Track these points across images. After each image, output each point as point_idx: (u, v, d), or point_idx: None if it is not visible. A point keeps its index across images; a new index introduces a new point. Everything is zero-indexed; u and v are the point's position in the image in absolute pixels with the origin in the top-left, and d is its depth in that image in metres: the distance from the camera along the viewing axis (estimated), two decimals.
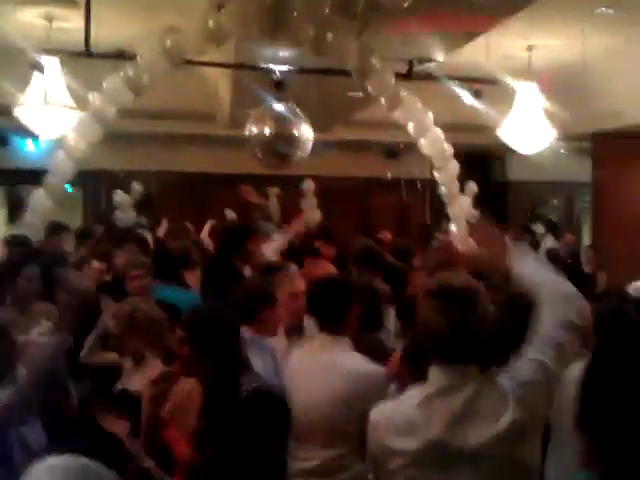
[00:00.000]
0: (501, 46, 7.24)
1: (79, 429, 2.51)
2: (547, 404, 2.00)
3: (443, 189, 6.89)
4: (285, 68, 5.79)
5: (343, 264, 5.06)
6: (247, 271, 4.83)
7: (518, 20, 5.86)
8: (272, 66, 5.75)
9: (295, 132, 5.93)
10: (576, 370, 1.69)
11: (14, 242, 5.16)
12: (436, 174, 6.86)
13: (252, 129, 6.01)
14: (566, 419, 1.62)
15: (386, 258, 5.01)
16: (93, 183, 10.35)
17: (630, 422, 1.21)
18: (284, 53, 5.56)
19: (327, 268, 4.55)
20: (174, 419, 2.50)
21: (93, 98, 5.45)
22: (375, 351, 3.07)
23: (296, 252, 5.29)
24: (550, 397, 1.99)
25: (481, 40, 6.72)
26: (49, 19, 6.66)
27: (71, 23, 6.48)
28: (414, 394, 1.98)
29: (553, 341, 1.95)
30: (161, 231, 7.67)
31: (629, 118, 8.37)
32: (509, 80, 7.31)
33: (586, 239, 10.73)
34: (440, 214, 8.45)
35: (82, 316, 2.96)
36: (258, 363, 3.05)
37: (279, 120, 5.94)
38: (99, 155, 8.05)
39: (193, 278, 5.07)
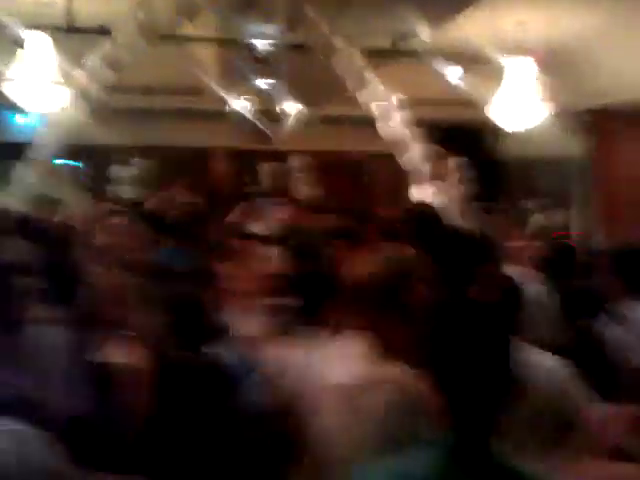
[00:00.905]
0: (491, 22, 7.21)
1: None
2: None
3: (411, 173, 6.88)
4: (268, 43, 5.78)
5: None
6: None
7: None
8: (255, 41, 5.74)
9: (277, 107, 5.93)
10: None
11: None
12: (401, 160, 6.88)
13: (235, 104, 6.02)
14: None
15: None
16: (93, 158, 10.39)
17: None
18: (268, 28, 5.54)
19: None
20: None
21: (77, 76, 5.46)
22: None
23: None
24: None
25: (471, 15, 6.72)
26: None
27: None
28: None
29: None
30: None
31: (624, 93, 8.33)
32: (499, 56, 7.28)
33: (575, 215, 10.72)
34: None
35: None
36: None
37: (261, 95, 5.94)
38: (96, 130, 8.15)
39: None
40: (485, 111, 7.55)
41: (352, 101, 7.29)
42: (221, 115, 6.61)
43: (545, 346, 2.38)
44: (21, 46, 5.77)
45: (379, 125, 6.67)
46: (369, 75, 6.08)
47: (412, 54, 6.61)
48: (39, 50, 6.31)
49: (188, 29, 6.37)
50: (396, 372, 1.80)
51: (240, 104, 6.07)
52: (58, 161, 10.68)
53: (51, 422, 1.80)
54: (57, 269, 3.10)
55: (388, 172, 9.09)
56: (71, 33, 5.78)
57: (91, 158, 9.58)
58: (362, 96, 6.28)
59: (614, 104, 8.70)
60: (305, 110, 6.74)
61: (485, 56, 7.12)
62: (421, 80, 7.53)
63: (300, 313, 2.59)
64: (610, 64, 8.05)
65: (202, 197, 6.11)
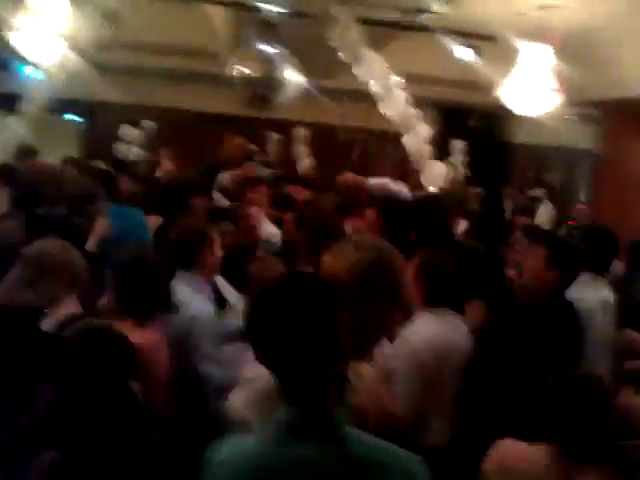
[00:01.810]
0: (512, 3, 7.02)
1: None
2: None
3: (413, 154, 6.73)
4: (278, 10, 5.64)
5: None
6: None
7: None
8: (264, 6, 5.60)
9: (279, 75, 5.80)
10: None
11: None
12: (404, 139, 6.72)
13: (237, 69, 5.89)
14: None
15: None
16: (95, 115, 10.29)
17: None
18: None
19: None
20: None
21: (71, 29, 5.35)
22: None
23: None
24: None
25: None
26: None
27: None
28: None
29: None
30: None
31: (638, 88, 8.15)
32: (515, 38, 7.11)
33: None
34: None
35: None
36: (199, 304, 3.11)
37: (264, 62, 5.81)
38: (102, 87, 8.05)
39: None
40: (496, 94, 7.40)
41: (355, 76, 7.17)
42: (223, 79, 6.49)
43: None
44: None
45: (381, 103, 6.52)
46: (367, 50, 5.91)
47: (422, 29, 6.42)
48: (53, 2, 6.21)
49: None
50: None
51: (243, 69, 5.93)
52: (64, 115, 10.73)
53: None
54: None
55: (388, 150, 8.99)
56: None
57: (94, 115, 9.46)
58: (361, 71, 6.12)
59: (630, 97, 8.51)
60: (306, 81, 6.58)
61: (499, 37, 6.95)
62: (430, 57, 7.38)
63: None
64: (631, 56, 7.86)
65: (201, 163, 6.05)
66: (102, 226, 3.99)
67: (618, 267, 4.56)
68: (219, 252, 3.29)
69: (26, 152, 5.95)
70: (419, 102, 7.09)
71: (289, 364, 1.42)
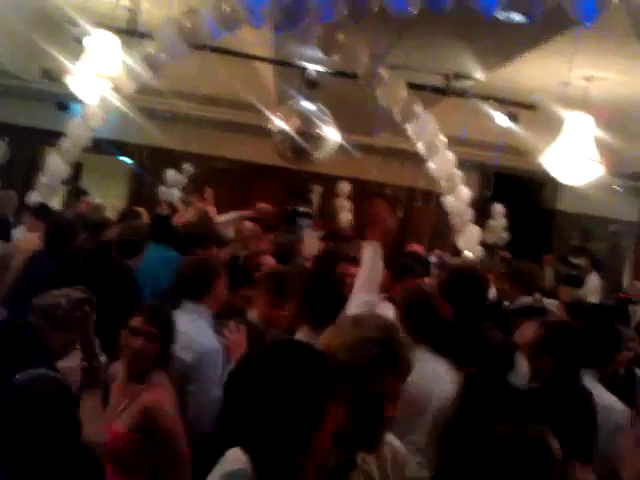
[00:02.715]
0: (559, 73, 7.08)
1: None
2: None
3: (453, 216, 6.71)
4: (319, 68, 5.82)
5: None
6: None
7: (579, 49, 5.73)
8: (306, 64, 5.79)
9: (318, 131, 5.96)
10: None
11: None
12: (445, 200, 6.72)
13: (277, 123, 6.08)
14: None
15: None
16: (144, 158, 10.65)
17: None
18: (320, 53, 5.57)
19: None
20: None
21: (114, 72, 5.62)
22: None
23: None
24: None
25: (539, 64, 6.62)
26: None
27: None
28: None
29: None
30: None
31: None
32: (561, 108, 7.13)
33: (626, 280, 10.35)
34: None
35: None
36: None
37: (304, 117, 5.98)
38: (154, 132, 8.39)
39: None
40: (538, 161, 7.39)
41: (399, 134, 7.28)
42: (266, 131, 6.69)
43: None
44: (81, 42, 5.96)
45: (428, 162, 6.58)
46: (417, 109, 5.98)
47: (465, 95, 6.51)
48: (103, 48, 6.56)
49: (249, 47, 6.49)
50: None
51: (283, 124, 6.11)
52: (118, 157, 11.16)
53: None
54: None
55: (429, 210, 9.02)
56: (132, 37, 5.94)
57: (143, 157, 9.81)
58: (409, 130, 6.20)
59: None
60: (345, 137, 6.71)
61: (543, 105, 6.99)
62: (472, 122, 7.44)
63: None
64: None
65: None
66: None
67: None
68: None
69: (76, 193, 6.23)
70: (461, 164, 7.14)
71: (262, 438, 1.31)
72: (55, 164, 6.01)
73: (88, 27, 6.27)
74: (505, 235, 10.18)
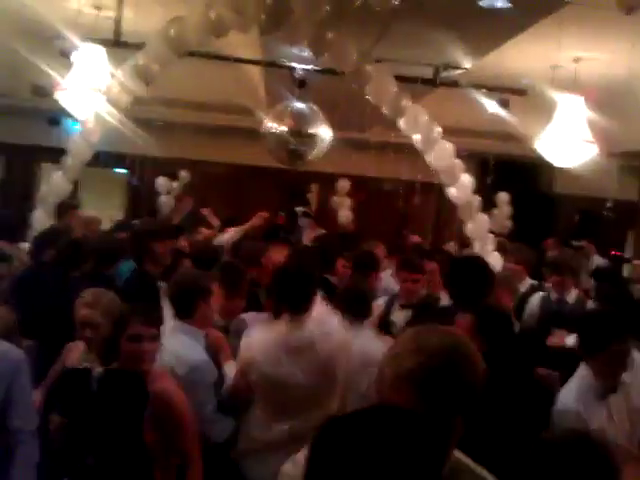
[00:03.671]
0: (547, 56, 7.07)
1: None
2: None
3: (460, 205, 6.66)
4: (308, 67, 5.82)
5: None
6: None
7: (566, 31, 5.72)
8: (295, 65, 5.79)
9: (311, 131, 5.95)
10: None
11: None
12: (449, 191, 6.68)
13: (269, 125, 6.08)
14: None
15: None
16: (140, 168, 10.66)
17: None
18: (309, 53, 5.57)
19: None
20: None
21: (109, 85, 5.63)
22: None
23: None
24: None
25: (527, 49, 6.62)
26: (98, 7, 6.93)
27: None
28: None
29: None
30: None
31: None
32: (549, 90, 7.13)
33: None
34: None
35: None
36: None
37: (297, 118, 5.98)
38: (148, 141, 8.39)
39: None
40: (531, 146, 7.39)
41: (391, 129, 7.26)
42: (258, 134, 6.70)
43: None
44: (67, 56, 5.97)
45: (426, 155, 6.54)
46: (407, 103, 5.95)
47: (454, 84, 6.49)
48: (91, 61, 6.57)
49: (237, 50, 6.49)
50: None
51: (276, 125, 6.11)
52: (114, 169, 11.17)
53: None
54: None
55: (429, 202, 9.05)
56: (118, 47, 5.94)
57: (138, 168, 9.82)
58: (401, 124, 6.16)
59: None
60: (339, 135, 6.70)
61: (534, 90, 6.99)
62: (464, 111, 7.44)
63: None
64: None
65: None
66: None
67: None
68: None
69: (65, 208, 6.23)
70: (458, 154, 7.12)
71: None
72: (58, 182, 6.01)
73: (74, 40, 6.29)
74: (509, 223, 10.18)
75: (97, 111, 5.73)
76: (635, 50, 6.72)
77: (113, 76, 5.77)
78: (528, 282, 6.17)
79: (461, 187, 6.44)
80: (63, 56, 5.92)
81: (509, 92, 6.84)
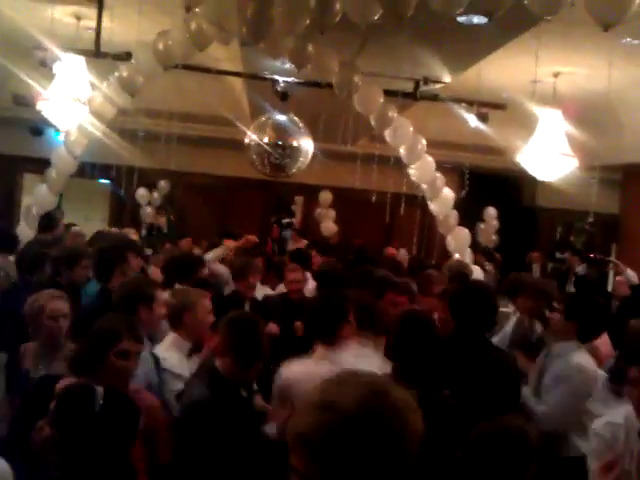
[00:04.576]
0: (527, 71, 7.15)
1: None
2: None
3: (439, 219, 6.72)
4: (289, 79, 5.85)
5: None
6: None
7: (545, 46, 5.80)
8: (276, 77, 5.82)
9: (293, 143, 5.98)
10: None
11: None
12: (430, 204, 6.73)
13: (252, 137, 6.10)
14: None
15: None
16: (122, 178, 10.63)
17: None
18: (291, 65, 5.60)
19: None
20: None
21: (93, 97, 5.64)
22: None
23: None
24: None
25: (507, 63, 6.69)
26: (77, 17, 6.93)
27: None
28: None
29: None
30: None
31: None
32: (532, 105, 7.20)
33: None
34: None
35: None
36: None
37: (278, 130, 6.01)
38: (131, 152, 8.38)
39: None
40: (513, 159, 7.46)
41: (377, 140, 7.31)
42: (242, 146, 6.72)
43: None
44: (48, 67, 5.97)
45: (409, 167, 6.59)
46: (393, 114, 6.01)
47: (434, 98, 6.55)
48: (72, 71, 6.58)
49: (220, 63, 6.52)
50: None
51: (259, 136, 6.14)
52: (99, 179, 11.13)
53: None
54: None
55: (410, 214, 9.06)
56: (99, 58, 5.95)
57: (122, 179, 9.78)
58: (387, 136, 6.22)
59: None
60: (322, 147, 6.74)
61: (514, 104, 7.05)
62: (444, 124, 7.50)
63: None
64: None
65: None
66: None
67: None
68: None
69: (47, 222, 6.19)
70: (439, 167, 7.17)
71: None
72: (43, 194, 5.99)
73: (55, 50, 6.30)
74: (495, 237, 10.25)
75: (80, 122, 5.72)
76: (613, 65, 6.83)
77: (95, 87, 5.77)
78: None
79: (441, 201, 6.49)
80: (43, 66, 5.90)
81: (489, 106, 6.89)
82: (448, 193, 6.92)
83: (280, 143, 6.02)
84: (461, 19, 3.97)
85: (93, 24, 6.77)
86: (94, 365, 2.64)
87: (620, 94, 7.53)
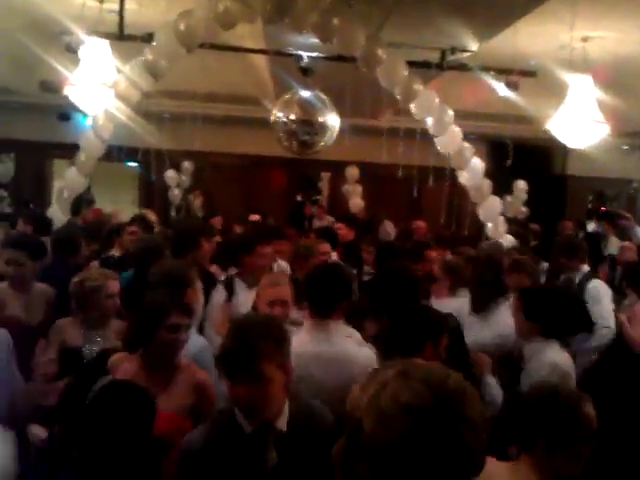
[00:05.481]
0: (555, 36, 6.99)
1: None
2: None
3: (470, 190, 6.63)
4: (313, 54, 5.79)
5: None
6: None
7: (574, 10, 5.65)
8: (300, 52, 5.76)
9: (319, 119, 5.94)
10: None
11: None
12: (460, 176, 6.64)
13: (278, 114, 6.07)
14: None
15: None
16: (150, 161, 10.69)
17: None
18: (315, 40, 5.53)
19: None
20: None
21: (117, 81, 5.64)
22: None
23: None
24: None
25: (535, 30, 6.53)
26: (101, 0, 6.92)
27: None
28: None
29: None
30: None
31: None
32: (561, 71, 7.05)
33: None
34: None
35: None
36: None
37: (304, 107, 5.96)
38: (158, 135, 8.41)
39: None
40: (543, 127, 7.32)
41: (403, 113, 7.22)
42: (267, 124, 6.68)
43: None
44: (74, 52, 5.98)
45: (436, 139, 6.51)
46: (418, 87, 5.92)
47: (462, 67, 6.44)
48: (97, 55, 6.58)
49: (242, 41, 6.46)
50: None
51: (285, 113, 6.10)
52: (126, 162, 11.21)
53: None
54: None
55: (439, 187, 8.96)
56: (123, 41, 5.94)
57: (150, 161, 9.82)
58: (413, 109, 6.14)
59: None
60: (348, 122, 6.68)
61: (543, 71, 6.91)
62: (473, 94, 7.38)
63: None
64: None
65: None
66: None
67: None
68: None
69: (79, 204, 6.28)
70: (467, 138, 7.07)
71: None
72: (73, 177, 6.06)
73: (80, 35, 6.30)
74: (524, 209, 10.12)
75: (107, 107, 5.74)
76: None
77: (120, 71, 5.77)
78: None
79: (471, 171, 6.40)
80: (69, 51, 5.91)
81: (518, 74, 6.75)
82: (477, 163, 6.83)
83: (307, 120, 5.97)
84: None
85: (116, 7, 6.79)
86: (145, 340, 2.75)
87: None
